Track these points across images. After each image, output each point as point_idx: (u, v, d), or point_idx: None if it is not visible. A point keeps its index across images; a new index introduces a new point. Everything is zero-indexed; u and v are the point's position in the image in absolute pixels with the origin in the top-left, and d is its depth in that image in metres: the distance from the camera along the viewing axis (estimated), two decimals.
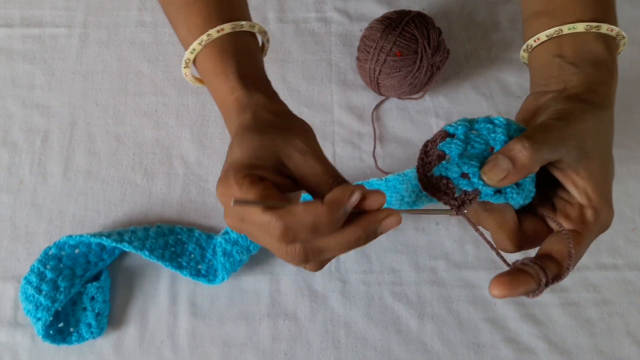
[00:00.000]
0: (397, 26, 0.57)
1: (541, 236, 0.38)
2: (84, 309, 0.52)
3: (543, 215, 0.38)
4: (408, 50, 0.56)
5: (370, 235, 0.34)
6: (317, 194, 0.35)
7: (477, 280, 0.55)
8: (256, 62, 0.42)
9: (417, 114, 0.63)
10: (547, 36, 0.42)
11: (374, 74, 0.58)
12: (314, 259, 0.34)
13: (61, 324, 0.52)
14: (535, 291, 0.35)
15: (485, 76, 0.65)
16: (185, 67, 0.42)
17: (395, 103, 0.63)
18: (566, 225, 0.37)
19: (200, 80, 0.45)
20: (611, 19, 0.42)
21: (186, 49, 0.41)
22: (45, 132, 0.62)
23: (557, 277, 0.35)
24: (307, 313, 0.54)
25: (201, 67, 0.42)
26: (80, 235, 0.53)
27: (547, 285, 0.35)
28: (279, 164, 0.35)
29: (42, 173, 0.60)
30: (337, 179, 0.34)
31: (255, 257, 0.55)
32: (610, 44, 0.42)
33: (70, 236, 0.53)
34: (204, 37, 0.40)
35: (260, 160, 0.34)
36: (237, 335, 0.53)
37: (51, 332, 0.51)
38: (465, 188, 0.35)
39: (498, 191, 0.36)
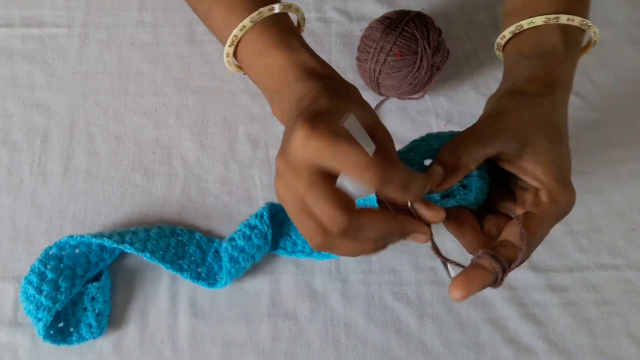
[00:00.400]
0: (397, 26, 0.57)
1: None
2: (85, 309, 0.52)
3: (499, 208, 0.39)
4: (408, 50, 0.56)
5: (396, 238, 0.35)
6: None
7: None
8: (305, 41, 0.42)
9: (417, 114, 0.63)
10: (510, 33, 0.43)
11: (374, 74, 0.58)
12: (351, 234, 0.33)
13: (61, 324, 0.52)
14: (497, 281, 0.35)
15: (485, 76, 0.65)
16: (230, 46, 0.41)
17: (395, 103, 0.63)
18: (522, 209, 0.38)
19: (238, 67, 0.45)
20: (577, 10, 0.42)
21: (226, 30, 0.41)
22: (45, 132, 0.62)
23: (513, 259, 0.36)
24: (307, 313, 0.54)
25: (252, 42, 0.41)
26: (82, 236, 0.53)
27: (505, 272, 0.35)
28: None
29: (42, 173, 0.60)
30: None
31: None
32: (570, 34, 0.42)
33: (71, 236, 0.53)
34: (255, 15, 0.39)
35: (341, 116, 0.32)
36: (237, 335, 0.53)
37: (51, 332, 0.51)
38: None
39: (446, 195, 0.37)
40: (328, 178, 0.31)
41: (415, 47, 0.56)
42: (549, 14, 0.41)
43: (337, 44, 0.66)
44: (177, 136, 0.62)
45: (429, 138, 0.39)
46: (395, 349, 0.53)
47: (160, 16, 0.68)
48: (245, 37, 0.41)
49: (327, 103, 0.33)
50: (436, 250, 0.38)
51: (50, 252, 0.53)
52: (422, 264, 0.56)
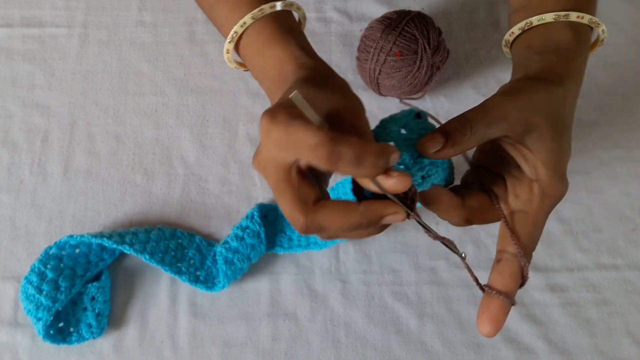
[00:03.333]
0: (397, 26, 0.57)
1: (488, 209, 0.39)
2: (85, 309, 0.52)
3: (494, 200, 0.39)
4: (408, 50, 0.56)
5: (371, 227, 0.34)
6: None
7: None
8: (306, 39, 0.42)
9: None
10: (519, 29, 0.43)
11: (374, 74, 0.58)
12: (315, 233, 0.34)
13: (61, 324, 0.52)
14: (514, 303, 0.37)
15: (485, 76, 0.65)
16: (230, 42, 0.41)
17: (395, 103, 0.63)
18: (515, 204, 0.37)
19: (240, 64, 0.45)
20: (586, 8, 0.42)
21: (228, 26, 0.41)
22: (45, 132, 0.62)
23: (519, 271, 0.37)
24: (307, 313, 0.54)
25: (252, 39, 0.41)
26: (82, 236, 0.53)
27: (521, 285, 0.37)
28: (330, 116, 0.34)
29: (42, 173, 0.60)
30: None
31: None
32: (580, 31, 0.42)
33: (71, 236, 0.53)
34: (256, 12, 0.40)
35: (314, 105, 0.32)
36: (237, 335, 0.53)
37: (51, 332, 0.51)
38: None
39: (421, 177, 0.36)
40: (294, 173, 0.32)
41: (415, 47, 0.56)
42: (558, 11, 0.41)
43: (337, 44, 0.66)
44: (177, 136, 0.62)
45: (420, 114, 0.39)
46: (395, 349, 0.53)
47: (160, 16, 0.68)
48: (246, 34, 0.41)
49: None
50: (427, 229, 0.37)
51: (51, 252, 0.53)
52: (422, 264, 0.56)
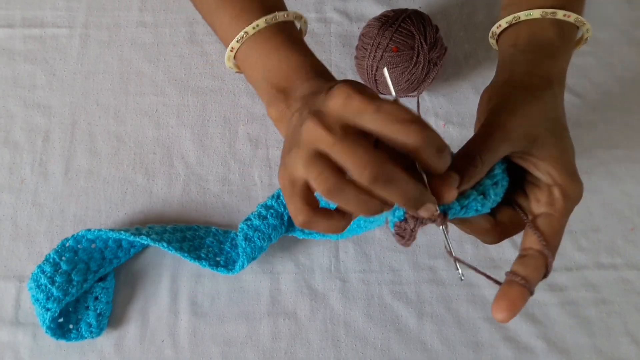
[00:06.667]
0: (393, 23, 0.57)
1: (519, 224, 0.39)
2: (87, 307, 0.53)
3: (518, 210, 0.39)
4: (405, 46, 0.56)
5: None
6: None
7: (476, 280, 0.56)
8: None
9: None
10: (507, 22, 0.44)
11: (372, 70, 0.58)
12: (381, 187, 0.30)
13: (61, 320, 0.52)
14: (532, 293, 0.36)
15: (484, 76, 0.65)
16: (237, 41, 0.43)
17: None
18: (538, 208, 0.37)
19: (234, 65, 0.46)
20: (573, 7, 0.43)
21: (235, 27, 0.42)
22: (47, 132, 0.62)
23: (542, 267, 0.36)
24: (307, 312, 0.55)
25: (263, 42, 0.42)
26: (99, 230, 0.53)
27: (544, 276, 0.36)
28: None
29: (43, 173, 0.60)
30: None
31: None
32: (565, 30, 0.42)
33: (89, 230, 0.53)
34: (270, 17, 0.42)
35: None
36: (237, 334, 0.54)
37: (52, 325, 0.51)
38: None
39: (463, 206, 0.36)
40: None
41: (412, 43, 0.56)
42: (546, 7, 0.42)
43: (336, 45, 0.67)
44: (177, 136, 0.62)
45: None
46: (395, 348, 0.53)
47: (161, 16, 0.68)
48: (255, 36, 0.42)
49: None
50: (450, 253, 0.38)
51: (67, 244, 0.53)
52: (422, 263, 0.56)
